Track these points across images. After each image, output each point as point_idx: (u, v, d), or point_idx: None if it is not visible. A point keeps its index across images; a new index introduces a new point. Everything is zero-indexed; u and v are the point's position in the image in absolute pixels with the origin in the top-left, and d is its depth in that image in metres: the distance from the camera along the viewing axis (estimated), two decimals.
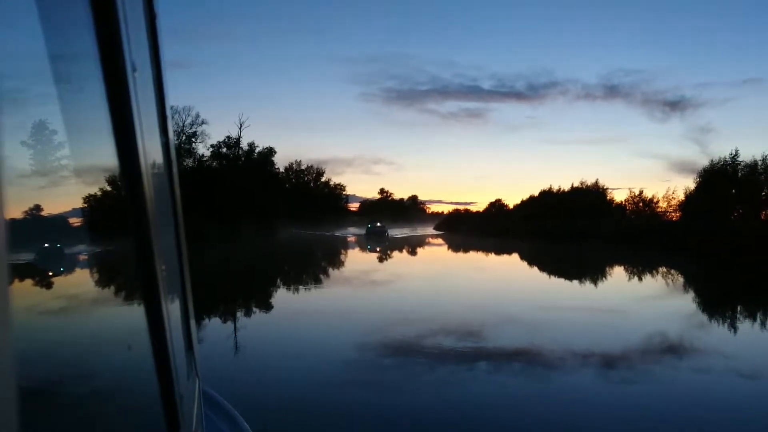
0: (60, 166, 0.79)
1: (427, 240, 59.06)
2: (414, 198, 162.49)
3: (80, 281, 0.94)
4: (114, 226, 1.08)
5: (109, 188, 0.97)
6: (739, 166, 45.29)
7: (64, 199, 0.80)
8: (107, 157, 0.94)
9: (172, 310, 1.35)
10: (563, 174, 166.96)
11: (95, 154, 0.94)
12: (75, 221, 0.85)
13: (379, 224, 65.36)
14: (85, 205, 0.86)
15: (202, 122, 59.31)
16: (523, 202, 78.58)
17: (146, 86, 1.27)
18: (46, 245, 0.75)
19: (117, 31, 0.89)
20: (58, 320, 0.74)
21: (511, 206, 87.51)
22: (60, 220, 0.80)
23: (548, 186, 72.05)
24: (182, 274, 1.90)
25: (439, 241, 58.06)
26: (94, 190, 0.90)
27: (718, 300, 16.96)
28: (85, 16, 0.82)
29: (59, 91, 0.75)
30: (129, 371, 1.00)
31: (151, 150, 1.18)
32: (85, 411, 0.75)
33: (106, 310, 0.97)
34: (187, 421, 1.37)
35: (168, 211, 1.69)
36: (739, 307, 15.33)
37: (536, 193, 73.32)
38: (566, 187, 66.84)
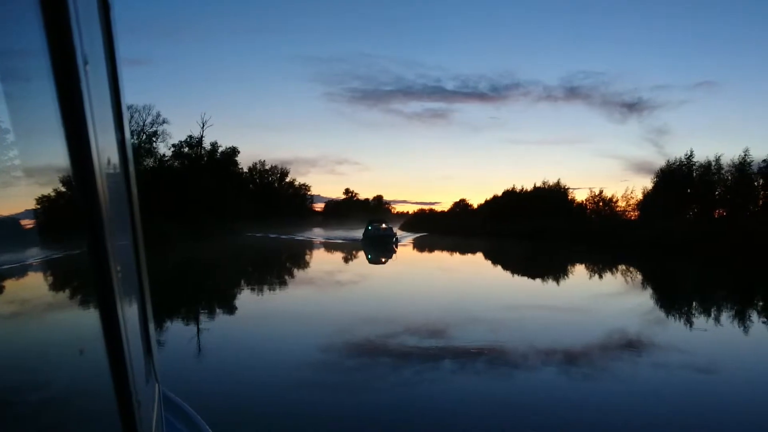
0: (10, 167, 0.76)
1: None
2: (379, 198, 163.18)
3: (31, 284, 0.90)
4: (67, 226, 1.04)
5: (62, 188, 0.94)
6: (694, 167, 46.93)
7: (15, 200, 0.78)
8: (59, 155, 0.90)
9: (129, 313, 1.32)
10: (526, 174, 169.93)
11: (46, 153, 0.91)
12: (26, 223, 0.82)
13: (384, 226, 44.18)
14: (37, 206, 0.83)
15: (163, 121, 58.09)
16: (487, 201, 79.80)
17: (100, 80, 1.23)
18: None
19: (67, 22, 0.86)
20: (7, 325, 0.71)
21: (475, 206, 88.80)
22: (10, 221, 0.77)
23: (511, 186, 73.28)
24: (140, 276, 1.85)
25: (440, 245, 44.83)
26: (46, 190, 0.87)
27: (662, 294, 17.64)
28: (32, 6, 0.79)
29: (5, 87, 0.72)
30: (83, 377, 0.97)
31: (105, 147, 1.15)
32: (38, 420, 0.72)
33: (60, 314, 0.94)
34: (145, 426, 1.33)
35: (124, 211, 1.64)
36: (678, 300, 15.93)
37: (500, 193, 74.62)
38: (529, 186, 68.14)
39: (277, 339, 9.80)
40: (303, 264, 29.59)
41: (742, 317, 13.16)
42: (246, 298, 15.53)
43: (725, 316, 13.24)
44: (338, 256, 34.75)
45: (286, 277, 21.84)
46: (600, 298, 15.88)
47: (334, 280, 19.92)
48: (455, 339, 9.64)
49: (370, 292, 17.24)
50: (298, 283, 19.12)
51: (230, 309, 13.68)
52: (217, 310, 13.51)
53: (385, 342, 9.32)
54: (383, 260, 30.23)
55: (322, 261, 32.02)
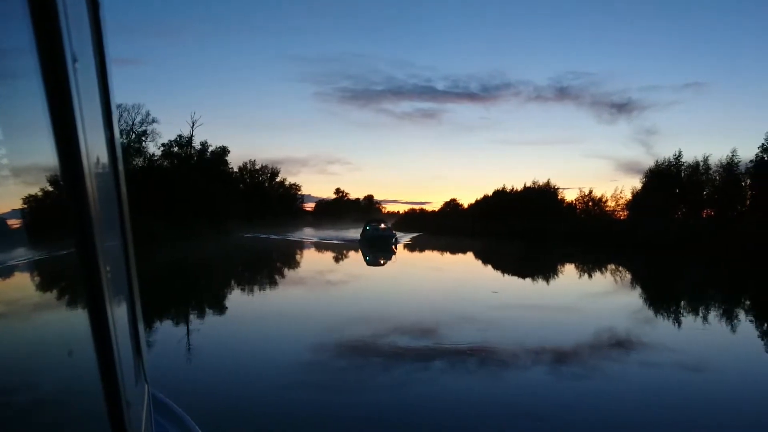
0: None
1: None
2: (370, 198, 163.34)
3: (20, 285, 0.89)
4: (56, 226, 1.03)
5: (50, 187, 0.92)
6: (682, 167, 47.29)
7: (2, 199, 0.77)
8: (47, 154, 0.89)
9: (118, 313, 1.31)
10: (516, 174, 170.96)
11: (34, 152, 0.90)
12: (13, 222, 0.81)
13: (383, 226, 43.79)
14: (25, 206, 0.82)
15: (153, 121, 57.75)
16: (477, 201, 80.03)
17: (89, 79, 1.22)
18: None
19: (56, 20, 0.85)
20: None
21: (465, 206, 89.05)
22: None
23: (501, 186, 73.58)
24: (129, 276, 1.83)
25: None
26: (34, 189, 0.86)
27: (663, 295, 17.85)
28: (21, 4, 0.78)
29: None
30: (72, 378, 0.96)
31: (94, 146, 1.14)
32: (27, 422, 0.72)
33: (48, 315, 0.93)
34: (134, 427, 1.32)
35: (113, 210, 1.63)
36: (655, 296, 16.12)
37: (490, 193, 74.87)
38: (519, 186, 68.41)
39: (281, 345, 9.49)
40: (301, 266, 28.52)
41: (742, 316, 13.35)
42: (248, 306, 14.67)
43: (725, 315, 13.41)
44: (338, 258, 32.89)
45: (288, 280, 20.91)
46: (598, 298, 16.01)
47: (336, 284, 19.14)
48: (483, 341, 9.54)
49: (376, 296, 16.39)
50: (301, 288, 18.08)
51: (229, 319, 12.90)
52: (210, 320, 12.87)
53: (396, 345, 9.25)
54: (383, 261, 29.13)
55: (321, 263, 30.56)
